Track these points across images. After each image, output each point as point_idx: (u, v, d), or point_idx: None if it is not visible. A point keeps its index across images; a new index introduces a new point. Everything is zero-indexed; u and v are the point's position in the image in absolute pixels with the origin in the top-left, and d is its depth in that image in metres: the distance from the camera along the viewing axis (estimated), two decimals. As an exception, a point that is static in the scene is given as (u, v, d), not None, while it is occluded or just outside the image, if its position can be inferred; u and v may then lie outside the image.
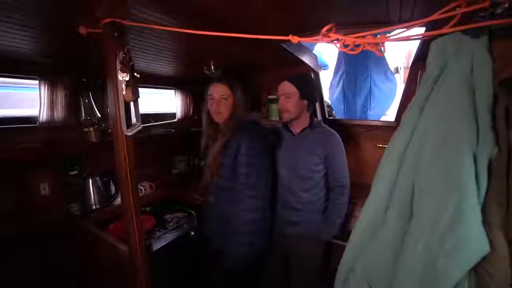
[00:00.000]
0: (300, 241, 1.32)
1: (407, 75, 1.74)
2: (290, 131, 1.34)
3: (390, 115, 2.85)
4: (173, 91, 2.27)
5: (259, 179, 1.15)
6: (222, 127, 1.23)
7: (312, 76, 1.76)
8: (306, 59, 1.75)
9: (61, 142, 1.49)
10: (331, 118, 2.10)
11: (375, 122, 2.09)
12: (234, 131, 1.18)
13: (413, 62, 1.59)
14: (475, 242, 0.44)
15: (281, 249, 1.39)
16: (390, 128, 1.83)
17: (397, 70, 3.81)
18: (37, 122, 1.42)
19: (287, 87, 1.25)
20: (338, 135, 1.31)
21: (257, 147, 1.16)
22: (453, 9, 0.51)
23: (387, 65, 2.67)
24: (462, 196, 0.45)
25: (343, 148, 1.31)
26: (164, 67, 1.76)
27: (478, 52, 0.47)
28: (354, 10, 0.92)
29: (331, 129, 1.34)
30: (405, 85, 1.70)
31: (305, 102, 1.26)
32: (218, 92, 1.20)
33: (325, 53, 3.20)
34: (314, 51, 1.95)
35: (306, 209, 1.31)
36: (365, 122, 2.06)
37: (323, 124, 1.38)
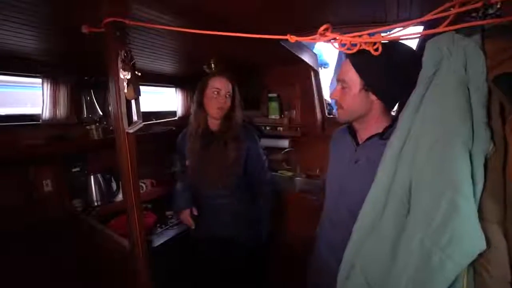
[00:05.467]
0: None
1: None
2: (355, 137, 0.89)
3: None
4: (173, 89, 2.28)
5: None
6: (223, 130, 1.26)
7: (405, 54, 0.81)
8: (306, 57, 1.76)
9: (64, 139, 1.52)
10: (331, 116, 2.11)
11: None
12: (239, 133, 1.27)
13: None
14: (470, 238, 0.45)
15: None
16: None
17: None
18: (40, 120, 1.44)
19: (345, 70, 0.80)
20: None
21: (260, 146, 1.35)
22: (448, 9, 0.53)
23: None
24: (456, 193, 0.46)
25: None
26: (165, 65, 1.77)
27: (470, 50, 0.48)
28: (352, 10, 0.93)
29: None
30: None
31: (372, 97, 0.79)
32: (225, 88, 1.21)
33: (325, 52, 3.20)
34: (314, 50, 1.96)
35: None
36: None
37: None
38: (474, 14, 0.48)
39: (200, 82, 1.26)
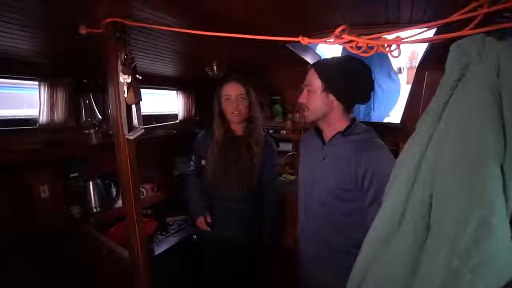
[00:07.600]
0: None
1: (410, 75, 1.71)
2: (322, 137, 1.00)
3: (393, 116, 2.83)
4: (175, 91, 2.24)
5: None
6: (246, 133, 1.29)
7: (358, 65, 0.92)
8: (309, 59, 1.73)
9: (62, 144, 1.47)
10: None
11: (379, 123, 2.06)
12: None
13: (420, 64, 1.56)
14: (505, 259, 0.41)
15: None
16: (394, 130, 1.80)
17: (400, 71, 3.77)
18: (37, 124, 1.40)
19: (310, 76, 0.94)
20: (384, 147, 0.89)
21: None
22: (474, 9, 0.49)
23: (390, 65, 2.63)
24: (487, 209, 0.42)
25: (390, 167, 0.66)
26: (166, 68, 1.73)
27: (505, 54, 0.44)
28: (363, 10, 0.89)
29: (376, 137, 0.92)
30: (411, 87, 1.67)
31: (331, 98, 0.90)
32: (235, 91, 1.24)
33: (327, 53, 3.17)
34: (316, 51, 1.93)
35: (325, 248, 1.00)
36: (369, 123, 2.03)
37: (368, 129, 0.94)
38: (506, 14, 0.44)
39: (215, 91, 1.30)
